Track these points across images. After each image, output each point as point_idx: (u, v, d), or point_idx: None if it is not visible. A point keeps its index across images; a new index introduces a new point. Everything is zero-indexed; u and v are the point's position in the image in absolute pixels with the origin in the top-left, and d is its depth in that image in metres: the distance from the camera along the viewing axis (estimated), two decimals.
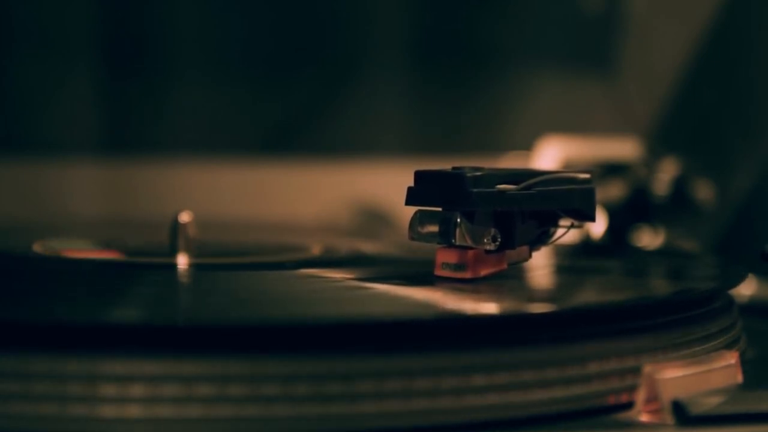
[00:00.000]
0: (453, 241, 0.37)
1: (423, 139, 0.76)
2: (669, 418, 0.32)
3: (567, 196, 0.39)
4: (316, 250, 0.48)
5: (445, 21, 0.76)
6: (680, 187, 0.58)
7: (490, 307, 0.35)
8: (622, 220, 0.57)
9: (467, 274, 0.37)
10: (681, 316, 0.36)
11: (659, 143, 0.65)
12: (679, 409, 0.31)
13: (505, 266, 0.39)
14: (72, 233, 0.57)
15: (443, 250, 0.38)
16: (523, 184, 0.37)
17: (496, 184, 0.37)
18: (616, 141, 0.62)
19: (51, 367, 0.29)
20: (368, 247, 0.50)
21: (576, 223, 0.40)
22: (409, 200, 0.38)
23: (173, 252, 0.45)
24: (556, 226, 0.40)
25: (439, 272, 0.38)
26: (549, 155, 0.61)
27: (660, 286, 0.44)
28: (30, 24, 0.72)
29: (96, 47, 0.72)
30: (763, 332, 0.44)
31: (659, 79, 0.71)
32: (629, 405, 0.32)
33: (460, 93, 0.76)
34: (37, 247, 0.48)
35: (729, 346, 0.37)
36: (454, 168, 0.38)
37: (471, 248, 0.37)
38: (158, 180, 0.72)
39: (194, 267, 0.43)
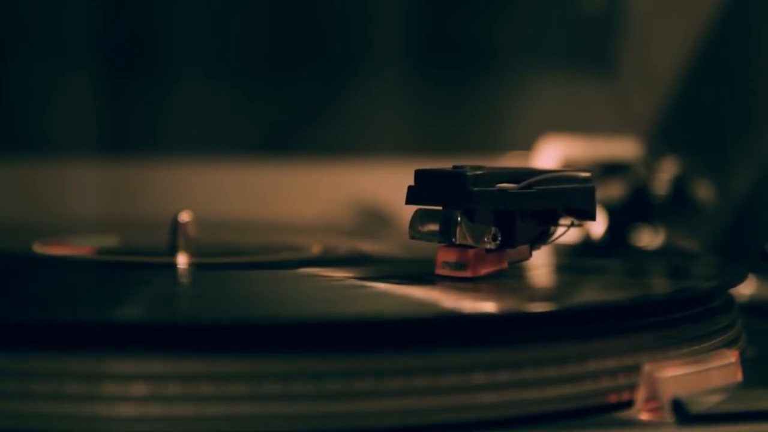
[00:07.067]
0: (453, 239, 0.37)
1: (423, 139, 0.76)
2: (669, 417, 0.32)
3: (568, 194, 0.39)
4: (315, 249, 0.48)
5: (445, 20, 0.76)
6: (680, 187, 0.58)
7: (490, 306, 0.35)
8: (622, 219, 0.57)
9: (468, 273, 0.37)
10: (681, 315, 0.36)
11: (659, 143, 0.65)
12: (679, 408, 0.32)
13: (505, 265, 0.39)
14: (72, 233, 0.57)
15: (444, 249, 0.38)
16: (523, 183, 0.37)
17: (497, 183, 0.37)
18: (616, 141, 0.62)
19: (50, 366, 0.29)
20: (368, 246, 0.50)
21: (576, 221, 0.40)
22: (410, 199, 0.38)
23: (173, 252, 0.45)
24: (557, 224, 0.40)
25: (440, 271, 0.38)
26: (549, 155, 0.61)
27: (660, 284, 0.44)
28: (30, 24, 0.72)
29: (96, 47, 0.72)
30: (763, 332, 0.44)
31: (659, 79, 0.71)
32: (629, 403, 0.32)
33: (460, 93, 0.76)
34: (37, 247, 0.48)
35: (729, 345, 0.37)
36: (454, 167, 0.38)
37: (471, 247, 0.37)
38: (158, 180, 0.72)
39: (194, 266, 0.43)
